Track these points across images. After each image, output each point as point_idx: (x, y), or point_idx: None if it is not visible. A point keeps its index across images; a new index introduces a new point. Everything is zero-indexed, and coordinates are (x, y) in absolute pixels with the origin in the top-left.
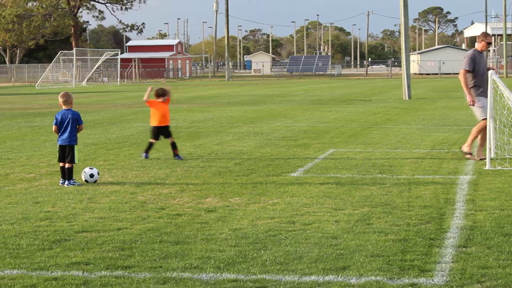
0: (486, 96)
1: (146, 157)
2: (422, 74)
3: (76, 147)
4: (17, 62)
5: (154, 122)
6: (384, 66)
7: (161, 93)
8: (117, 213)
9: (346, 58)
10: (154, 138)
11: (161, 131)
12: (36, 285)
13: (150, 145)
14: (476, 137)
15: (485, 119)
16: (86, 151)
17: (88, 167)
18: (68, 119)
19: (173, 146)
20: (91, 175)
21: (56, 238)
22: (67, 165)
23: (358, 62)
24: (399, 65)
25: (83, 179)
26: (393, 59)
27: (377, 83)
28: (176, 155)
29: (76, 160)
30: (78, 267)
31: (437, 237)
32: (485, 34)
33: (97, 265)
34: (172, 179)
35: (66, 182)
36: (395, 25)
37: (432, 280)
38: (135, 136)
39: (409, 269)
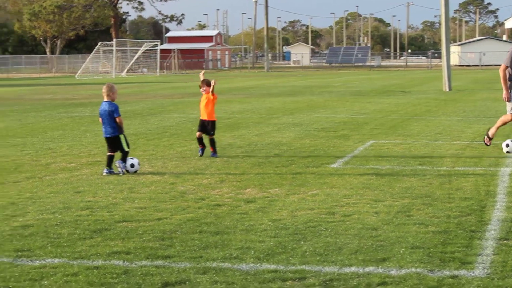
0: None
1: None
2: (462, 65)
3: (121, 136)
4: (57, 52)
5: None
6: (424, 57)
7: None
8: (157, 203)
9: (385, 49)
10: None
11: (201, 125)
12: (77, 274)
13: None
14: (500, 127)
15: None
16: None
17: (129, 157)
18: (105, 111)
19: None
20: (132, 165)
21: (97, 228)
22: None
23: (397, 54)
24: (439, 57)
25: (125, 168)
26: (433, 50)
27: (416, 75)
28: (211, 152)
29: (125, 148)
30: (119, 256)
31: (478, 229)
32: None
33: (138, 255)
34: (212, 170)
35: (118, 162)
36: (435, 16)
37: (473, 272)
38: (174, 126)
39: (449, 261)
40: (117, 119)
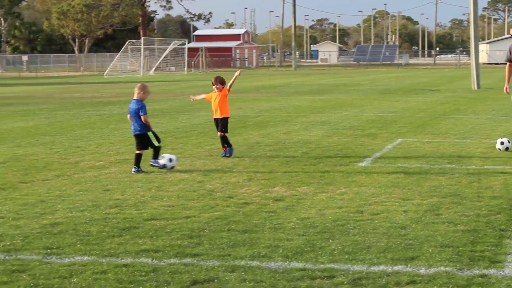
0: None
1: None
2: (491, 63)
3: (149, 133)
4: (85, 51)
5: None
6: (452, 55)
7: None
8: (185, 201)
9: (413, 47)
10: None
11: (217, 124)
12: (106, 272)
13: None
14: None
15: None
16: None
17: (166, 154)
18: (132, 109)
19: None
20: (170, 160)
21: (125, 226)
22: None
23: (425, 52)
24: (468, 55)
25: (162, 164)
26: (461, 48)
27: (445, 73)
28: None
29: (156, 144)
30: (148, 254)
31: (508, 228)
32: None
33: (166, 253)
34: (240, 168)
35: (134, 169)
36: (463, 14)
37: (503, 271)
38: (202, 125)
39: (479, 260)
40: (142, 118)
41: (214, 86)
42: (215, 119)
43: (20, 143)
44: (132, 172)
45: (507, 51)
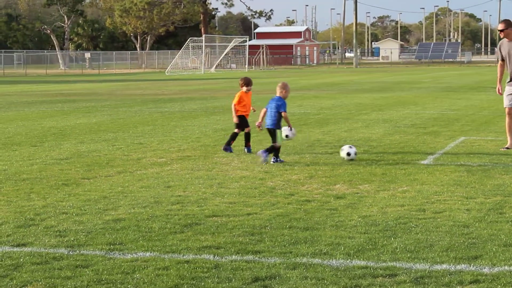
0: (508, 86)
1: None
2: None
3: (278, 131)
4: (147, 48)
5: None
6: None
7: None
8: (246, 198)
9: (476, 45)
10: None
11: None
12: (168, 268)
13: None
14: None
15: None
16: (215, 136)
17: (347, 145)
18: (272, 105)
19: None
20: (348, 154)
21: (187, 222)
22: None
23: (489, 49)
24: None
25: (342, 156)
26: None
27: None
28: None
29: (278, 142)
30: (209, 251)
31: None
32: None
33: (228, 249)
34: (301, 166)
35: (273, 159)
36: None
37: None
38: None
39: None
40: (283, 114)
41: (247, 87)
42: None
43: (83, 140)
44: (272, 162)
45: (497, 49)
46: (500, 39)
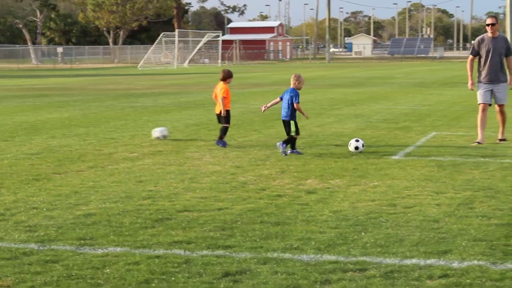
0: (484, 82)
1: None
2: None
3: (292, 122)
4: (120, 43)
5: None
6: None
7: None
8: (218, 193)
9: (448, 40)
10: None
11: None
12: (139, 263)
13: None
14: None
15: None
16: (187, 131)
17: (354, 139)
18: (285, 96)
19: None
20: (356, 148)
21: (158, 217)
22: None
23: (461, 45)
24: None
25: (283, 149)
26: None
27: None
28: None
29: (292, 133)
30: (180, 246)
31: None
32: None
33: (199, 244)
34: (273, 160)
35: (289, 150)
36: (500, 7)
37: None
38: (236, 117)
39: None
40: (295, 105)
41: (230, 80)
42: (228, 111)
43: (54, 135)
44: (289, 152)
45: (475, 44)
46: (473, 35)
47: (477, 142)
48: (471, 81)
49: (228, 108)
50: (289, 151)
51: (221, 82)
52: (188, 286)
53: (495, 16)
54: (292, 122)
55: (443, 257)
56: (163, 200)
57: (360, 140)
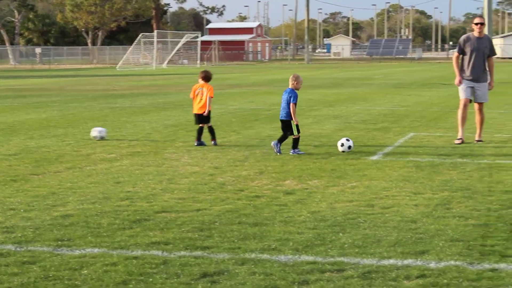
0: (468, 80)
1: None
2: (504, 58)
3: (292, 122)
4: (98, 44)
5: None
6: None
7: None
8: (196, 194)
9: (427, 41)
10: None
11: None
12: (116, 264)
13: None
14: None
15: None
16: (166, 132)
17: (345, 138)
18: (284, 97)
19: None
20: (343, 144)
21: (136, 218)
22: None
23: (439, 46)
24: None
25: (340, 150)
26: None
27: None
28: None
29: (294, 133)
30: (158, 246)
31: None
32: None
33: (176, 245)
34: (251, 161)
35: (291, 151)
36: (478, 8)
37: None
38: (214, 118)
39: (489, 254)
40: (291, 105)
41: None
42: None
43: (32, 135)
44: (291, 153)
45: (460, 42)
46: (451, 36)
47: (460, 140)
48: (459, 77)
49: (210, 109)
50: (291, 152)
51: (206, 83)
52: (166, 287)
53: (482, 16)
54: (292, 122)
55: (420, 258)
56: (141, 201)
57: (350, 140)
